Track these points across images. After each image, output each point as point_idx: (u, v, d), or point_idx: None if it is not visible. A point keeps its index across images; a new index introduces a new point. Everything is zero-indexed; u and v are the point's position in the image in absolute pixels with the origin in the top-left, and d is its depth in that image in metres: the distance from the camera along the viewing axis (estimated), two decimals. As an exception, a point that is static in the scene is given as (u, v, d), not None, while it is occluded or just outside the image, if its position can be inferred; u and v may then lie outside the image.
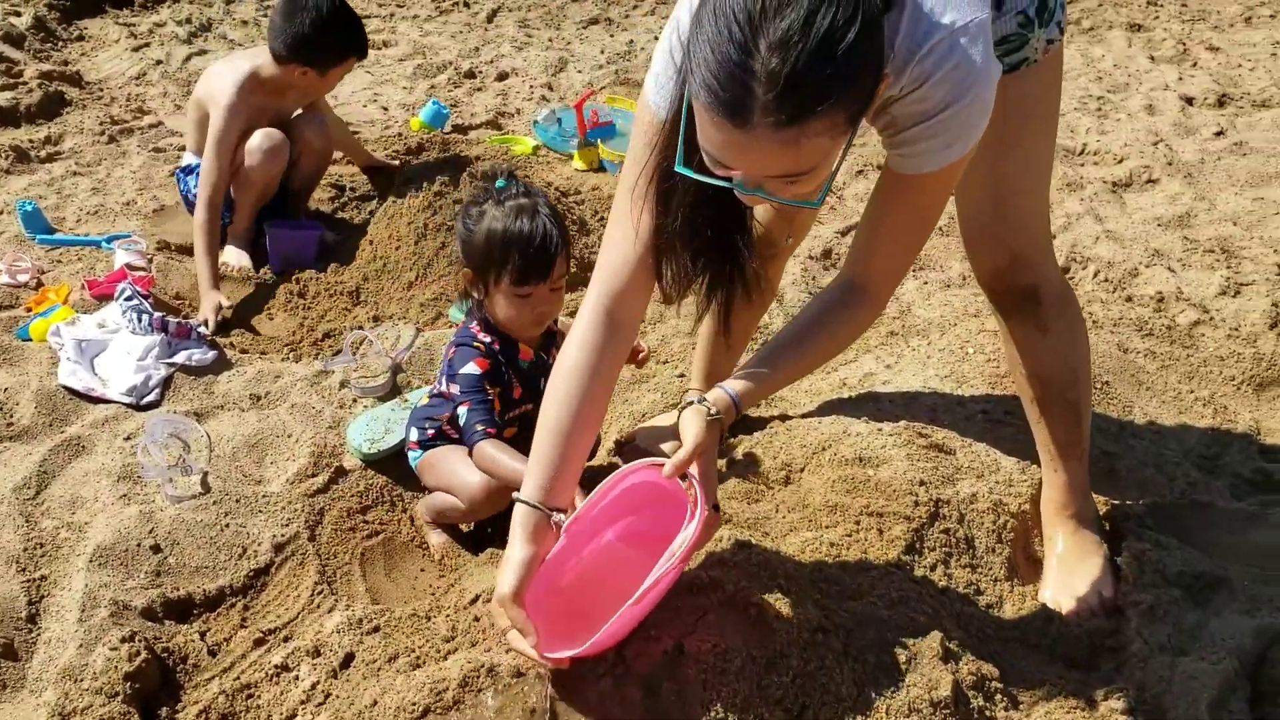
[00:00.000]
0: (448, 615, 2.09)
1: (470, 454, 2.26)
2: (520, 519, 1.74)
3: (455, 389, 2.30)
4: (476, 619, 2.03)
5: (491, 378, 2.30)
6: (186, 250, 3.58)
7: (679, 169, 1.57)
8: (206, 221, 3.24)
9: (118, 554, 2.29)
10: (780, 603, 1.81)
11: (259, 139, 3.36)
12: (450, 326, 3.14)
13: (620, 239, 1.77)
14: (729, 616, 1.79)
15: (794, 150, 1.40)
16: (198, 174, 3.38)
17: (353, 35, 3.32)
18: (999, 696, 1.88)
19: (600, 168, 4.13)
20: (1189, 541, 2.29)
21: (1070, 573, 2.19)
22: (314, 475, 2.54)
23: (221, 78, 3.36)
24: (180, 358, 2.88)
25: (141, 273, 3.34)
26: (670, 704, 1.69)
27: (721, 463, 2.54)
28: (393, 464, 2.61)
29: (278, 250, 3.50)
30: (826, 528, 2.13)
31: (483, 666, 1.74)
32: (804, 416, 2.61)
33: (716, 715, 1.66)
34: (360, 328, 3.08)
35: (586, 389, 1.77)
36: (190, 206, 3.50)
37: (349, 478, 2.57)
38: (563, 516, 1.75)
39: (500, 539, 2.41)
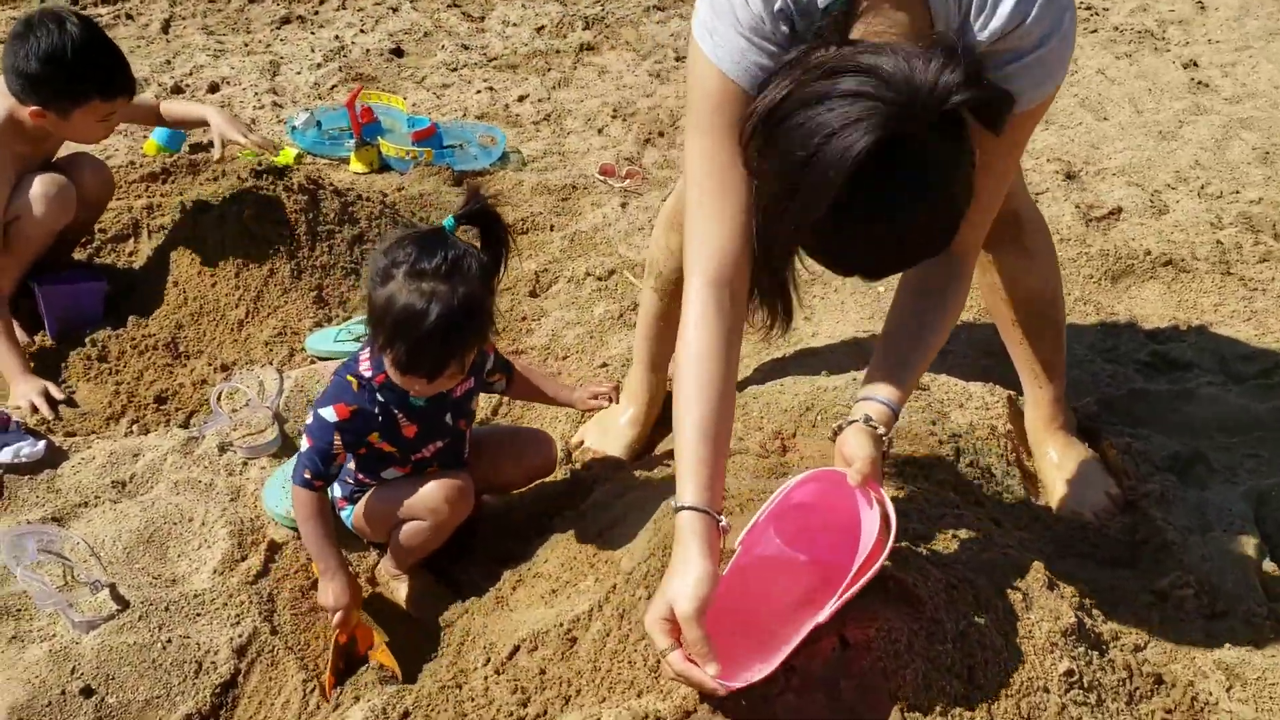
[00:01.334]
0: (486, 675, 1.84)
1: (293, 492, 2.02)
2: (693, 527, 1.54)
3: (309, 418, 2.02)
4: (542, 672, 1.79)
5: (357, 425, 2.01)
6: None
7: None
8: None
9: (40, 711, 1.81)
10: (902, 570, 1.71)
11: (40, 186, 2.76)
12: (312, 362, 2.75)
13: (715, 217, 1.62)
14: (871, 597, 1.67)
15: None
16: None
17: (95, 69, 2.69)
18: (1095, 611, 1.90)
19: (384, 167, 3.79)
20: (1145, 427, 2.42)
21: (1075, 480, 2.25)
22: (243, 558, 2.15)
23: None
24: (4, 455, 2.32)
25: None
26: (855, 700, 1.56)
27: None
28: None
29: (54, 311, 2.90)
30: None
31: (644, 717, 1.53)
32: (754, 384, 2.52)
33: (904, 697, 1.55)
34: (227, 379, 2.62)
35: (721, 381, 1.61)
36: None
37: (284, 551, 2.19)
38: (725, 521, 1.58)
39: (478, 552, 2.18)
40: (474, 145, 3.85)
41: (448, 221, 1.96)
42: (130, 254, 3.17)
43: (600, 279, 3.14)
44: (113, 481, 2.32)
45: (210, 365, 2.69)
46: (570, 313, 2.99)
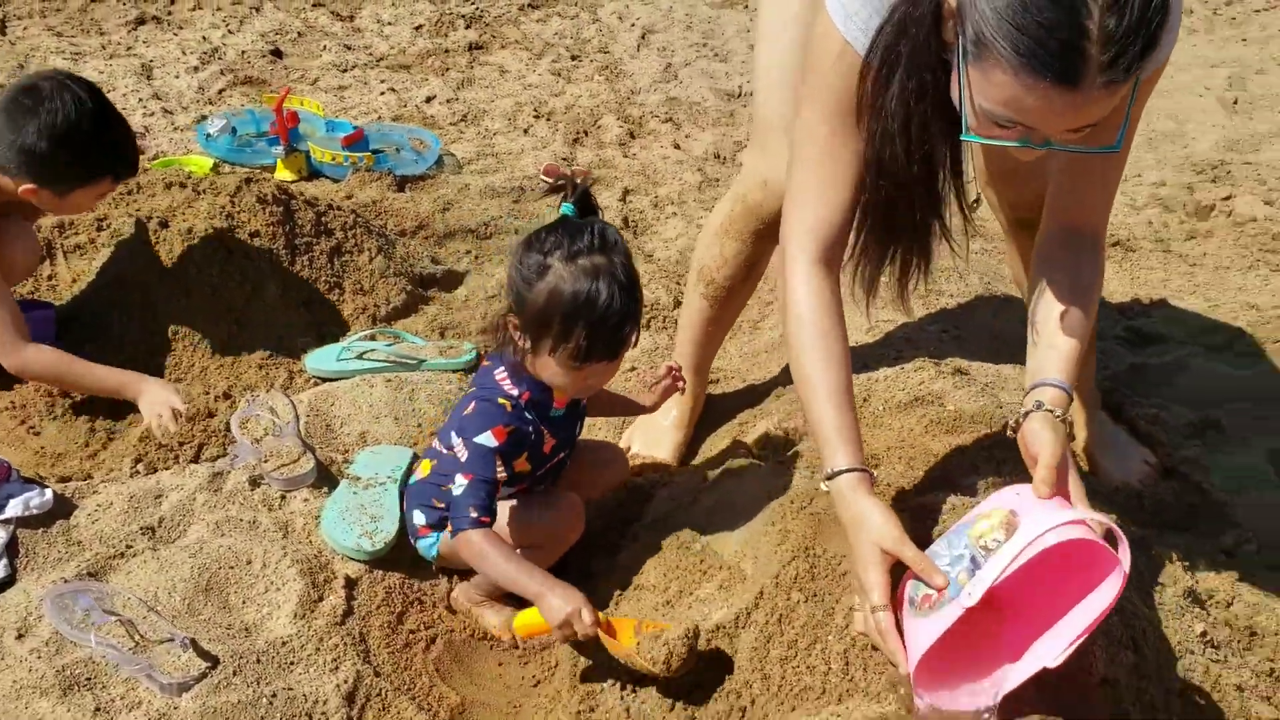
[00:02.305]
0: (623, 694, 1.80)
1: (453, 535, 1.92)
2: (857, 486, 1.62)
3: (462, 451, 1.92)
4: (698, 686, 1.76)
5: (511, 448, 1.95)
6: None
7: (966, 137, 1.51)
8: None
9: (156, 786, 1.64)
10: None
11: None
12: (313, 383, 2.58)
13: (821, 184, 1.68)
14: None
15: (1110, 101, 1.37)
16: None
17: (111, 149, 2.44)
18: (1180, 571, 2.01)
19: (313, 174, 3.59)
20: (1155, 398, 2.58)
21: (1115, 453, 2.38)
22: (320, 599, 2.00)
23: None
24: (12, 509, 2.08)
25: None
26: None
27: (752, 440, 2.40)
28: (392, 555, 2.12)
29: (2, 344, 2.60)
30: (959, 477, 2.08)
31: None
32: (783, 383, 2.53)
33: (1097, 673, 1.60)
34: (232, 407, 2.42)
35: (843, 354, 1.70)
36: None
37: (362, 586, 2.05)
38: None
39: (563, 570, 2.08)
40: (407, 149, 3.69)
41: (567, 208, 1.90)
42: (73, 276, 2.88)
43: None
44: (141, 528, 2.12)
45: (208, 394, 2.47)
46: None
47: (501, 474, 1.95)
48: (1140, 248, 3.30)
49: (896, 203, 1.68)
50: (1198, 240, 3.39)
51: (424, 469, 2.09)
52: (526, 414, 1.95)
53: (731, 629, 1.81)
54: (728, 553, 2.02)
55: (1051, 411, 1.63)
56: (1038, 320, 1.76)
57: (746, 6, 5.64)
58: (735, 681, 1.74)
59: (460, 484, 1.90)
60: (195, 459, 2.34)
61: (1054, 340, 1.73)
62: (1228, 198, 3.65)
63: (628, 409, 2.28)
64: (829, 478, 1.65)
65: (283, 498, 2.21)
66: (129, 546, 2.07)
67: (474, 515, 1.87)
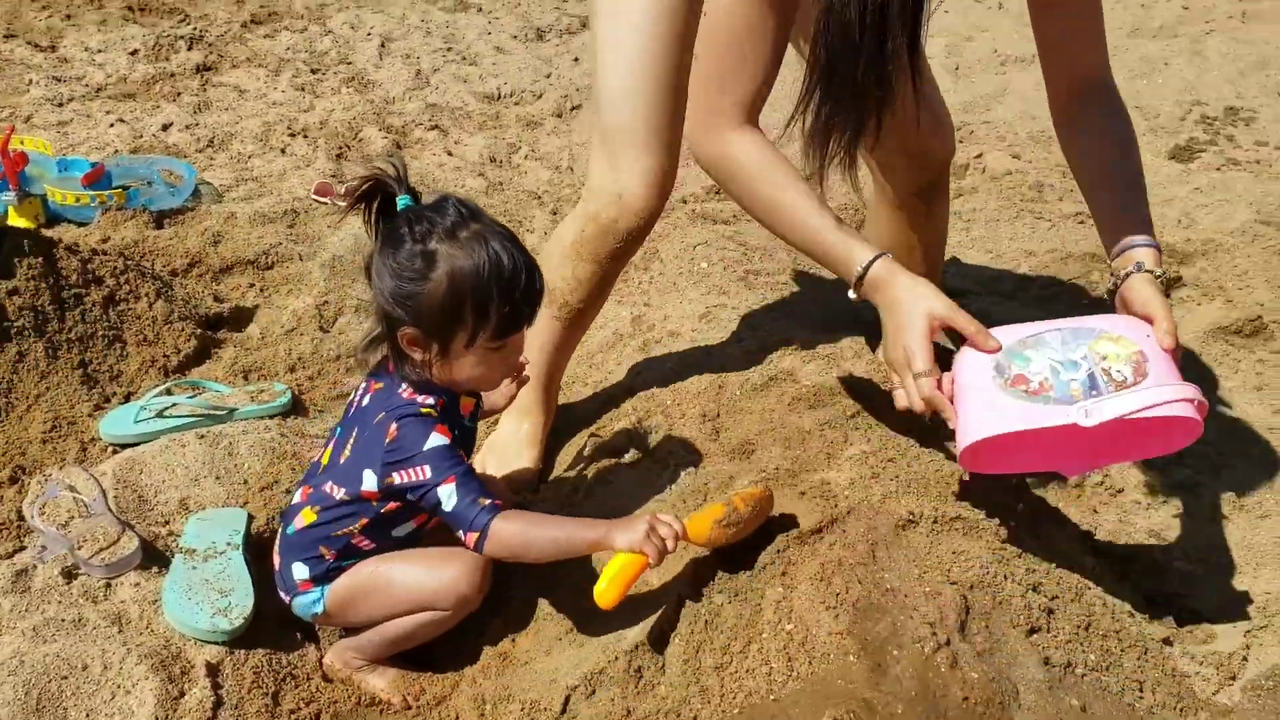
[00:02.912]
0: None
1: (479, 544, 1.73)
2: (891, 268, 1.75)
3: (422, 472, 1.74)
4: (627, 713, 1.68)
5: (454, 445, 1.78)
6: None
7: None
8: None
9: None
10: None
11: None
12: (111, 451, 2.29)
13: (744, 61, 1.81)
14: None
15: None
16: None
17: None
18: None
19: (52, 219, 3.20)
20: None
21: None
22: (184, 692, 1.77)
23: None
24: None
25: None
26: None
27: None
28: (249, 629, 1.90)
29: None
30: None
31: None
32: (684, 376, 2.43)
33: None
34: (21, 491, 2.10)
35: (799, 175, 1.84)
36: None
37: (225, 671, 1.83)
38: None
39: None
40: (159, 182, 3.36)
41: (404, 200, 1.75)
42: None
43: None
44: (-62, 650, 1.79)
45: (6, 469, 2.14)
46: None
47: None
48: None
49: (842, 62, 1.67)
50: (964, 198, 3.57)
51: (306, 517, 1.87)
52: (447, 418, 1.79)
53: (649, 646, 1.73)
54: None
55: (1151, 272, 1.69)
56: (1096, 184, 1.81)
57: (481, 9, 5.52)
58: (666, 701, 1.65)
59: (447, 492, 1.70)
60: (-9, 557, 2.01)
61: (1124, 199, 1.77)
62: (979, 155, 3.88)
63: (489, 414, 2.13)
64: (860, 277, 1.76)
65: (108, 586, 1.94)
66: (-71, 675, 1.75)
67: (486, 504, 1.69)
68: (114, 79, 4.47)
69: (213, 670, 1.80)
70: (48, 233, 2.98)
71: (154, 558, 2.01)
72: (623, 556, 1.66)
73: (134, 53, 4.75)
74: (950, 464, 1.91)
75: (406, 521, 1.87)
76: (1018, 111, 4.33)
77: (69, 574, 1.94)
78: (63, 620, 1.85)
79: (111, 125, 3.99)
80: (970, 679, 1.52)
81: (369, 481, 1.79)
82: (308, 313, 2.81)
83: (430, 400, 1.78)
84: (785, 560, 1.71)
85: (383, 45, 4.95)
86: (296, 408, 2.48)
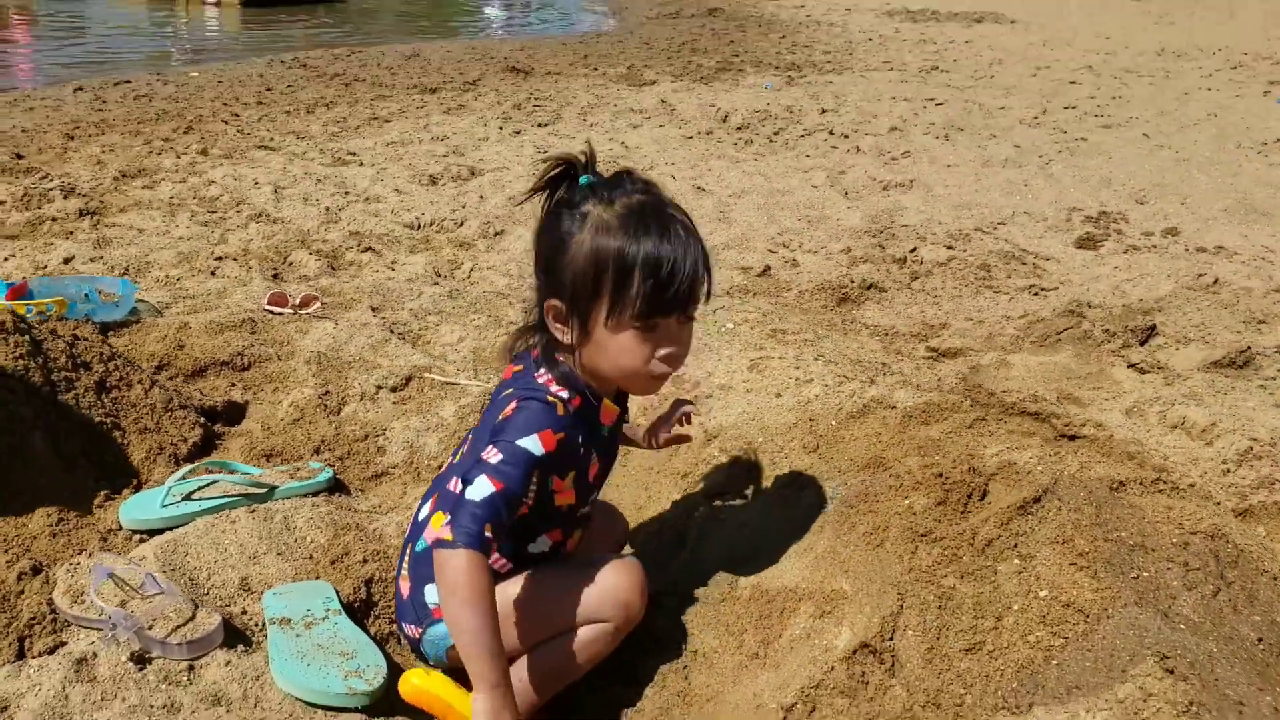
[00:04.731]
0: None
1: (436, 543, 1.49)
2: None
3: (494, 454, 1.51)
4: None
5: (554, 464, 1.58)
6: None
7: None
8: None
9: None
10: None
11: None
12: (137, 540, 1.95)
13: None
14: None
15: None
16: None
17: None
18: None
19: None
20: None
21: None
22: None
23: None
24: None
25: None
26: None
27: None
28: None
29: None
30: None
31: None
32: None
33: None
34: (69, 571, 1.74)
35: None
36: None
37: (374, 739, 1.52)
38: None
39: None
40: (94, 298, 3.03)
41: (585, 179, 1.59)
42: None
43: (396, 389, 2.66)
44: (3, 754, 1.42)
45: (9, 566, 1.77)
46: (413, 420, 2.49)
47: (531, 497, 1.56)
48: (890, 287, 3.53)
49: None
50: (921, 280, 3.69)
51: (435, 525, 1.60)
52: (577, 424, 1.58)
53: (878, 643, 1.55)
54: (784, 583, 1.75)
55: None
56: None
57: (363, 163, 5.45)
58: (920, 695, 1.48)
59: (482, 487, 1.47)
60: (20, 656, 1.64)
61: None
62: (913, 250, 4.04)
63: (628, 443, 1.93)
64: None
65: (190, 668, 1.60)
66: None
67: (476, 530, 1.44)
68: (-20, 225, 4.09)
69: (362, 740, 1.49)
70: None
71: (234, 635, 1.69)
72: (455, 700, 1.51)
73: (1, 203, 4.39)
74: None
75: (541, 534, 1.65)
76: (923, 218, 4.55)
77: (140, 659, 1.60)
78: (152, 706, 1.51)
79: (6, 258, 3.61)
80: (1254, 621, 1.43)
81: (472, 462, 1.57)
82: (310, 403, 2.55)
83: (565, 394, 1.59)
84: (1010, 533, 1.59)
85: (275, 191, 4.77)
86: (338, 485, 2.20)
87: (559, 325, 1.57)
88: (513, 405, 1.55)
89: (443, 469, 1.76)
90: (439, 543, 1.46)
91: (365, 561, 1.90)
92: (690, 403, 1.89)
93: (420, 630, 1.64)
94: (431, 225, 4.34)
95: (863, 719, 1.48)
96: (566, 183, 1.60)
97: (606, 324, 1.53)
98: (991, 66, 9.51)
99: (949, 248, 4.06)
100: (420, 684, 1.53)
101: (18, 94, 7.25)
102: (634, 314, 1.52)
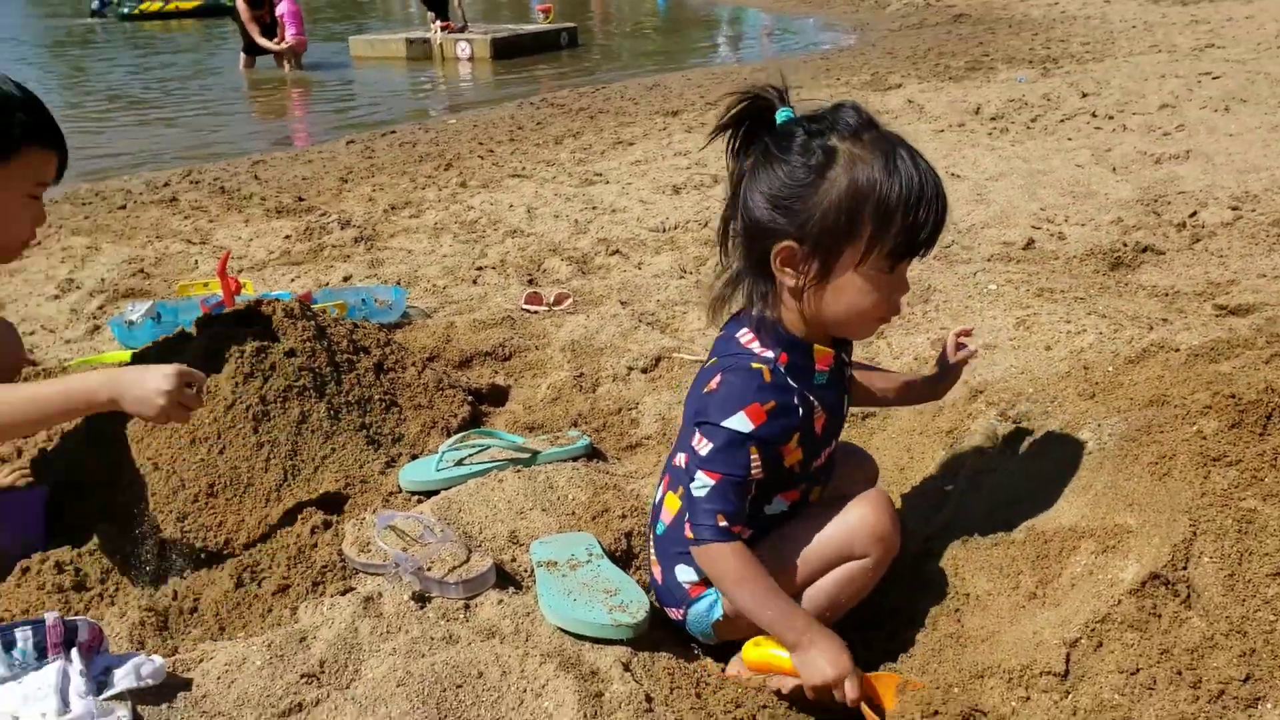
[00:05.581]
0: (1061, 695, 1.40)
1: (691, 545, 1.53)
2: None
3: (703, 445, 1.50)
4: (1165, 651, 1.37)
5: (775, 433, 1.52)
6: None
7: None
8: None
9: None
10: None
11: None
12: (415, 501, 2.06)
13: None
14: None
15: None
16: None
17: (33, 110, 1.92)
18: None
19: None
20: None
21: None
22: (599, 695, 1.48)
23: None
24: (123, 680, 1.44)
25: None
26: None
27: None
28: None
29: (-19, 538, 1.95)
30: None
31: None
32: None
33: None
34: (355, 523, 1.86)
35: None
36: None
37: (637, 670, 1.53)
38: None
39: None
40: (371, 304, 3.26)
41: (785, 113, 1.54)
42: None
43: (646, 370, 2.70)
44: (302, 676, 1.51)
45: (304, 522, 1.90)
46: (663, 395, 2.52)
47: (757, 470, 1.51)
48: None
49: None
50: (1203, 241, 3.43)
51: (670, 505, 1.61)
52: (790, 382, 1.53)
53: (1170, 573, 1.42)
54: (1062, 522, 1.64)
55: None
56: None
57: (609, 181, 5.60)
58: (1221, 624, 1.34)
59: (702, 483, 1.47)
60: (312, 591, 1.76)
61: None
62: (1193, 214, 3.75)
63: (909, 392, 1.87)
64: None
65: (466, 607, 1.67)
66: (296, 700, 1.46)
67: (721, 524, 1.45)
68: (276, 255, 4.48)
69: (625, 668, 1.50)
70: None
71: (505, 579, 1.74)
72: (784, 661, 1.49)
73: (288, 237, 4.80)
74: None
75: (775, 496, 1.61)
76: (1203, 185, 4.22)
77: (420, 599, 1.67)
78: (432, 638, 1.58)
79: (294, 279, 3.94)
80: None
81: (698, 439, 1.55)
82: (566, 384, 2.63)
83: (770, 354, 1.54)
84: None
85: (528, 211, 4.98)
86: (595, 453, 2.25)
87: (789, 269, 1.51)
88: (717, 379, 1.52)
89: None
90: (689, 543, 1.52)
91: (624, 517, 1.93)
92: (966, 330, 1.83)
93: (682, 611, 1.64)
94: (676, 228, 4.41)
95: (1156, 651, 1.36)
96: (750, 122, 1.55)
97: (858, 266, 1.48)
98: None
99: (1234, 209, 3.74)
100: (755, 655, 1.53)
101: (298, 150, 7.93)
102: (888, 253, 1.47)
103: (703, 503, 1.49)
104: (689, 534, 1.51)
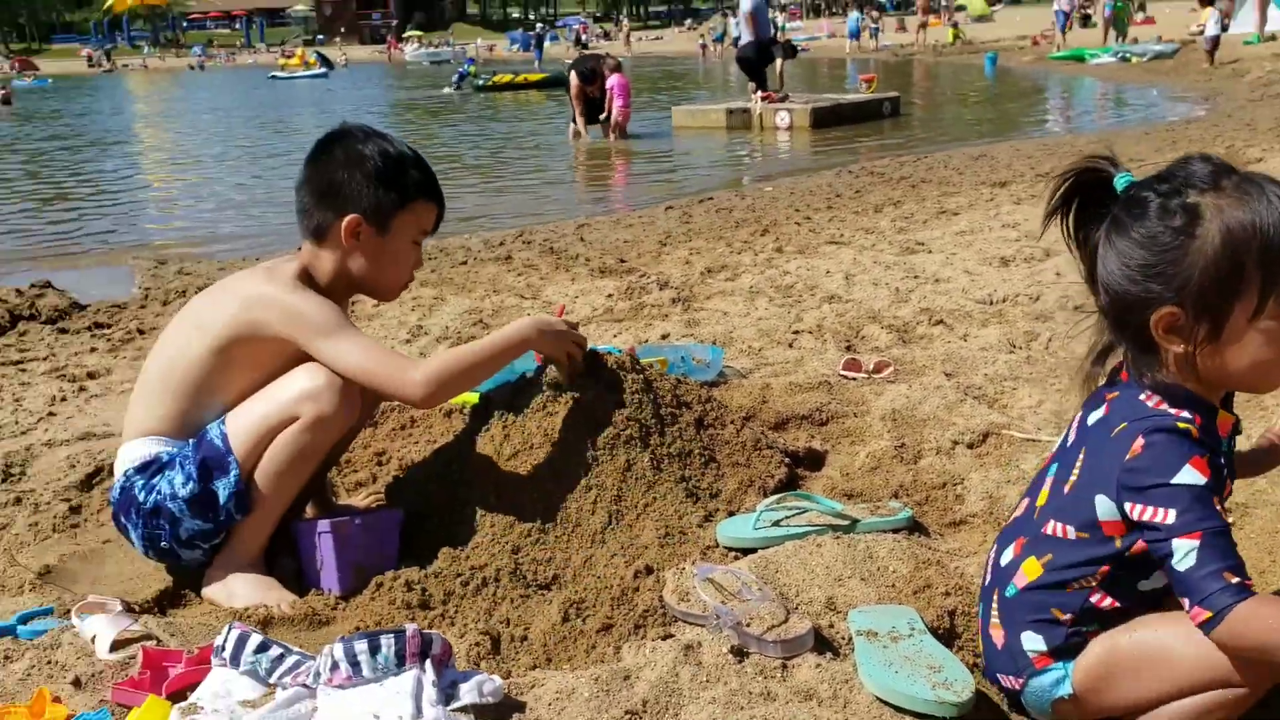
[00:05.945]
0: None
1: (1207, 626, 1.34)
2: None
3: (1163, 514, 1.37)
4: None
5: (1216, 486, 1.41)
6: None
7: None
8: None
9: None
10: None
11: (312, 378, 2.10)
12: (735, 558, 2.08)
13: None
14: None
15: None
16: (181, 462, 2.05)
17: (420, 168, 2.26)
18: None
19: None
20: None
21: None
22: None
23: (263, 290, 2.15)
24: (467, 695, 1.54)
25: (152, 642, 1.86)
26: None
27: None
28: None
29: (346, 555, 2.15)
30: None
31: None
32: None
33: None
34: (675, 576, 1.91)
35: None
36: (159, 530, 2.10)
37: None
38: None
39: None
40: (688, 361, 3.35)
41: (1125, 179, 1.48)
42: (378, 476, 2.48)
43: (973, 445, 2.61)
44: (626, 712, 1.56)
45: (629, 567, 1.98)
46: (992, 472, 2.44)
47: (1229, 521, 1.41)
48: None
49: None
50: None
51: (1029, 571, 1.54)
52: (1208, 445, 1.42)
53: None
54: None
55: None
56: None
57: (930, 250, 5.50)
58: None
59: (1184, 552, 1.35)
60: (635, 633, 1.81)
61: None
62: None
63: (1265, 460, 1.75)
64: None
65: (784, 666, 1.66)
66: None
67: (1233, 581, 1.32)
68: (599, 312, 4.71)
69: (952, 746, 1.45)
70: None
71: (822, 643, 1.73)
72: None
73: (610, 295, 5.04)
74: None
75: (1155, 572, 1.49)
76: None
77: (739, 653, 1.69)
78: (750, 692, 1.59)
79: (615, 335, 4.12)
80: None
81: (1105, 509, 1.46)
82: (887, 453, 2.59)
83: (1186, 414, 1.43)
84: None
85: (846, 278, 4.98)
86: (917, 526, 2.20)
87: (1174, 336, 1.43)
88: (1139, 443, 1.42)
89: (1019, 511, 1.68)
90: (1204, 624, 1.35)
91: (948, 594, 1.87)
92: None
93: (1021, 680, 1.56)
94: (1005, 301, 4.26)
95: None
96: (1091, 192, 1.50)
97: (1253, 319, 1.38)
98: None
99: None
100: None
101: (619, 215, 8.33)
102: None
103: (1195, 572, 1.35)
104: (1201, 616, 1.34)
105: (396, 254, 2.23)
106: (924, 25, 37.86)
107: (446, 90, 27.78)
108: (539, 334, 2.21)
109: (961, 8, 49.69)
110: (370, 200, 2.16)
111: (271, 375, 2.11)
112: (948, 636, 1.79)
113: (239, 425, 2.08)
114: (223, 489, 2.07)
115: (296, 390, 2.07)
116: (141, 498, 2.10)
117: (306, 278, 2.19)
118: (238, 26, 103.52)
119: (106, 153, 16.13)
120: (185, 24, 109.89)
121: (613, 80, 13.62)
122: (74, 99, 33.22)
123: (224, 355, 2.10)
